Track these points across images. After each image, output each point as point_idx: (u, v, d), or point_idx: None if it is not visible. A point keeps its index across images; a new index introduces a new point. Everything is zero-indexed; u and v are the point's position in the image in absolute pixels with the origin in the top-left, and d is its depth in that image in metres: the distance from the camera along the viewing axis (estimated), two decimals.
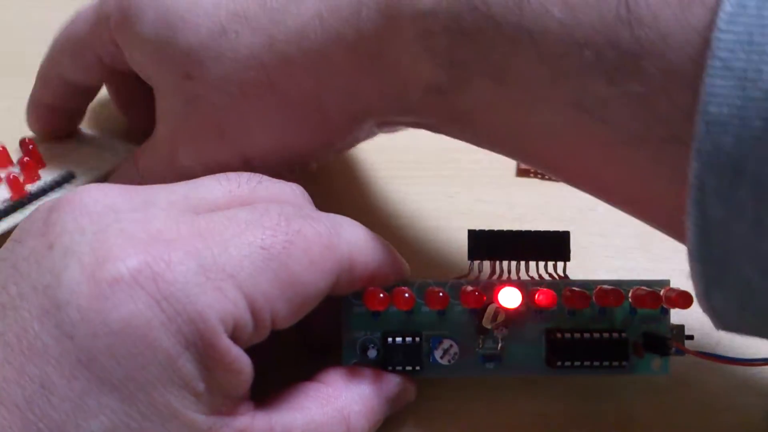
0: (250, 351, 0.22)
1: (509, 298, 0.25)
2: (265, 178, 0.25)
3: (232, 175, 0.25)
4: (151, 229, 0.21)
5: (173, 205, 0.23)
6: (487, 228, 0.26)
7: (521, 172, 0.36)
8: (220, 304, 0.20)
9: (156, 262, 0.20)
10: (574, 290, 0.25)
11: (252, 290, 0.21)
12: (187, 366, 0.20)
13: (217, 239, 0.21)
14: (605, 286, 0.26)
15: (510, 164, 0.36)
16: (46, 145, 0.32)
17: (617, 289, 0.25)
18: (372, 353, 0.25)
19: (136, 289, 0.20)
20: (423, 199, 0.35)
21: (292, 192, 0.25)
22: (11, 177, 0.29)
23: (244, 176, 0.25)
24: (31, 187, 0.30)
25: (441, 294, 0.25)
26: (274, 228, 0.22)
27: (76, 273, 0.20)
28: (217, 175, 0.25)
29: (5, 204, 0.29)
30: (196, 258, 0.21)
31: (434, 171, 0.36)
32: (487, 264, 0.26)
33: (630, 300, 0.26)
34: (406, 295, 0.24)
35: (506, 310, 0.25)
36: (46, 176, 0.31)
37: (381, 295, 0.24)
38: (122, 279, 0.20)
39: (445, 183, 0.35)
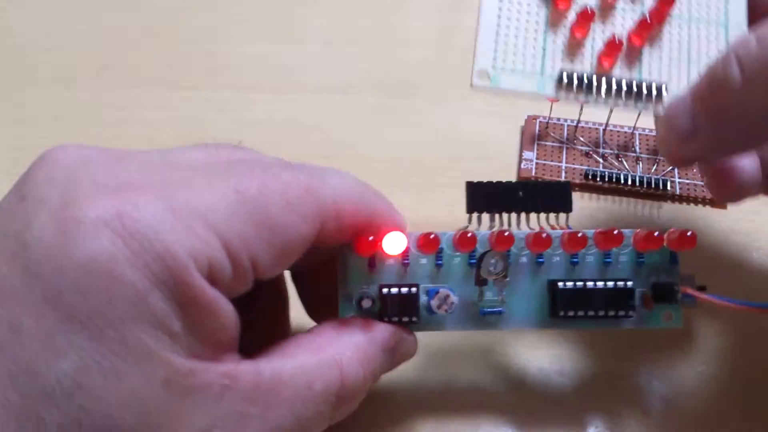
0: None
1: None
2: (246, 147, 0.25)
3: (211, 143, 0.24)
4: (121, 178, 0.21)
5: (148, 160, 0.23)
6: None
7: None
8: (190, 241, 0.20)
9: (123, 204, 0.20)
10: (572, 233, 0.24)
11: (225, 231, 0.21)
12: (159, 304, 0.20)
13: (190, 185, 0.21)
14: (604, 228, 0.25)
15: (512, 169, 0.35)
16: None
17: (615, 228, 0.24)
18: (367, 303, 0.25)
19: (100, 226, 0.19)
20: (423, 208, 0.34)
21: (274, 157, 0.25)
22: None
23: (224, 144, 0.24)
24: None
25: (432, 236, 0.24)
26: (249, 174, 0.22)
27: (43, 216, 0.20)
28: (197, 143, 0.24)
29: None
30: (165, 200, 0.20)
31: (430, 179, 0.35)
32: (486, 218, 0.26)
33: (632, 244, 0.25)
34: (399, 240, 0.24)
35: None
36: None
37: (370, 237, 0.24)
38: (88, 218, 0.20)
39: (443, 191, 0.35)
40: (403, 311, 0.25)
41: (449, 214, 0.33)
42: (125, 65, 0.39)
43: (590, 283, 0.25)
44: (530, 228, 0.26)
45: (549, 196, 0.26)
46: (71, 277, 0.19)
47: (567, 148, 0.36)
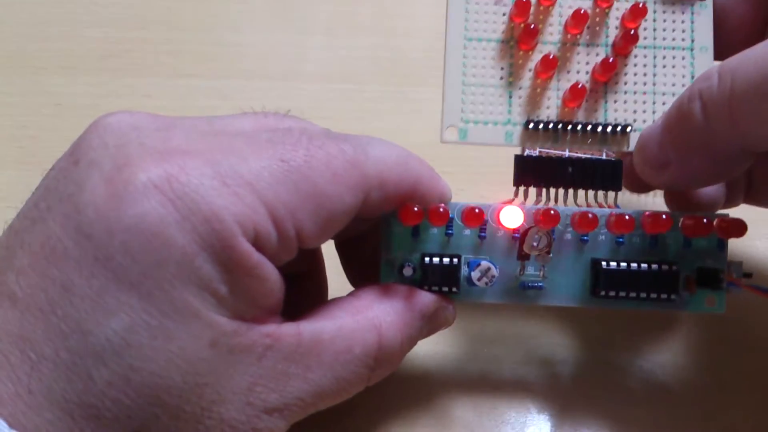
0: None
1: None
2: (295, 116, 0.25)
3: (260, 111, 0.25)
4: (171, 143, 0.21)
5: (196, 127, 0.23)
6: None
7: None
8: (236, 207, 0.20)
9: (172, 166, 0.20)
10: (619, 215, 0.24)
11: (272, 199, 0.21)
12: (206, 266, 0.20)
13: (237, 152, 0.21)
14: (652, 212, 0.24)
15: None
16: None
17: (664, 212, 0.24)
18: (408, 271, 0.25)
19: (150, 188, 0.20)
20: None
21: (321, 127, 0.25)
22: None
23: (273, 112, 0.25)
24: None
25: (477, 210, 0.24)
26: (295, 143, 0.22)
27: (96, 179, 0.20)
28: (245, 111, 0.25)
29: None
30: (213, 165, 0.21)
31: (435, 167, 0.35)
32: (533, 192, 0.26)
33: (680, 228, 0.25)
34: (441, 209, 0.24)
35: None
36: None
37: (415, 208, 0.24)
38: (138, 181, 0.20)
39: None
40: (443, 281, 0.25)
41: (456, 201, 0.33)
42: (127, 53, 0.39)
43: (634, 265, 0.25)
44: (577, 204, 0.26)
45: (600, 173, 0.26)
46: (122, 239, 0.20)
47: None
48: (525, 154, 0.26)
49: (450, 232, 0.25)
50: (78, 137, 0.22)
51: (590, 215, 0.24)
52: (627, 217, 0.24)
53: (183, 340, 0.20)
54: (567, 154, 0.26)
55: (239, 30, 0.40)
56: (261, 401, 0.22)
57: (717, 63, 0.25)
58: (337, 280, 0.28)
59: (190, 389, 0.21)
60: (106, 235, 0.20)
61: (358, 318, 0.24)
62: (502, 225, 0.25)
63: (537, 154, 0.26)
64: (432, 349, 0.29)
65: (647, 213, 0.24)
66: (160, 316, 0.20)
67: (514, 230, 0.25)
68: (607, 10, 0.26)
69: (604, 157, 0.26)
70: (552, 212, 0.24)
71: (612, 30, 0.26)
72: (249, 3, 0.41)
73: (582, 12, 0.25)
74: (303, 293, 0.27)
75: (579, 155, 0.26)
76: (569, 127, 0.26)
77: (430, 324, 0.25)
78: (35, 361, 0.20)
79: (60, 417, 0.20)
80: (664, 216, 0.24)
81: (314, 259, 0.28)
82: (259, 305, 0.22)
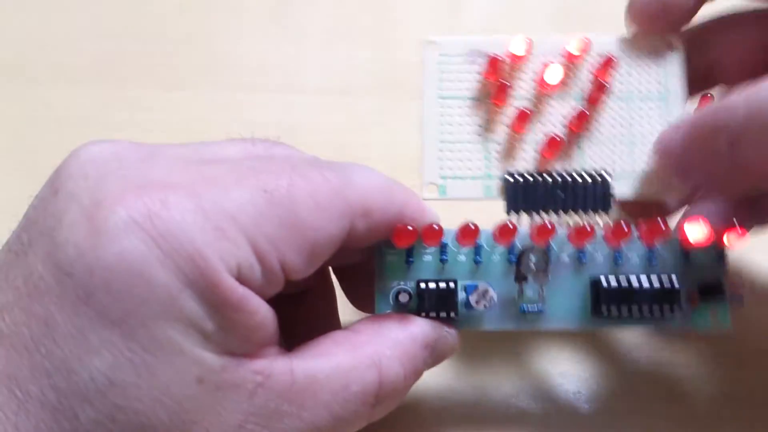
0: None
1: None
2: (284, 144, 0.25)
3: (249, 138, 0.25)
4: (153, 176, 0.21)
5: (180, 156, 0.23)
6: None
7: None
8: (219, 243, 0.20)
9: (153, 202, 0.20)
10: (615, 224, 0.24)
11: (254, 233, 0.21)
12: (190, 303, 0.20)
13: (219, 184, 0.21)
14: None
15: None
16: None
17: (660, 219, 0.24)
18: (404, 298, 0.25)
19: (131, 225, 0.19)
20: None
21: (307, 155, 0.25)
22: None
23: (261, 139, 0.25)
24: None
25: (472, 226, 0.24)
26: (278, 172, 0.22)
27: (75, 214, 0.20)
28: (233, 138, 0.25)
29: None
30: (195, 200, 0.20)
31: None
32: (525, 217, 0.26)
33: (678, 238, 0.24)
34: (435, 227, 0.24)
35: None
36: None
37: (409, 228, 0.24)
38: (118, 217, 0.20)
39: None
40: (441, 306, 0.24)
41: (453, 216, 0.33)
42: (125, 66, 0.39)
43: (634, 280, 0.24)
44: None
45: (591, 194, 0.26)
46: (102, 277, 0.19)
47: None
48: (514, 174, 0.26)
49: (444, 258, 0.25)
50: (58, 166, 0.22)
51: (587, 227, 0.24)
52: (623, 224, 0.24)
53: (168, 377, 0.20)
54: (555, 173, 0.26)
55: (237, 42, 0.40)
56: None
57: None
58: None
59: (176, 427, 0.20)
60: (87, 274, 0.19)
61: (356, 354, 0.23)
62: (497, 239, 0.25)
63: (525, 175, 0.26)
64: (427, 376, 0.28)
65: (641, 220, 0.24)
66: (143, 353, 0.19)
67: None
68: (578, 63, 0.27)
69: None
70: (549, 225, 0.24)
71: (585, 82, 0.27)
72: (247, 15, 0.42)
73: (553, 66, 0.26)
74: (312, 310, 0.26)
75: (567, 177, 0.26)
76: (549, 179, 0.26)
77: (433, 353, 0.24)
78: (22, 400, 0.19)
79: None
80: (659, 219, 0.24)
81: (321, 275, 0.27)
82: (248, 340, 0.21)
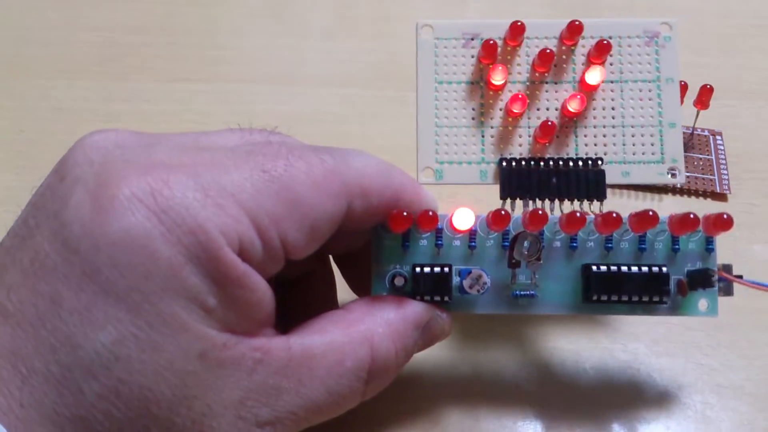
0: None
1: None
2: (281, 133, 0.25)
3: (246, 128, 0.25)
4: (154, 158, 0.22)
5: (180, 143, 0.23)
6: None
7: None
8: (220, 218, 0.21)
9: (155, 181, 0.20)
10: (606, 213, 0.24)
11: (254, 209, 0.21)
12: (192, 278, 0.20)
13: (218, 165, 0.22)
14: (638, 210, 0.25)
15: None
16: None
17: (650, 210, 0.24)
18: (399, 281, 0.25)
19: (134, 202, 0.20)
20: None
21: (303, 142, 0.25)
22: None
23: (259, 129, 0.25)
24: None
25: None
26: (275, 154, 0.22)
27: (81, 195, 0.21)
28: (231, 128, 0.25)
29: None
30: (195, 178, 0.21)
31: None
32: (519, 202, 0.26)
33: (668, 228, 0.25)
34: (430, 213, 0.24)
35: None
36: None
37: (405, 213, 0.24)
38: (122, 195, 0.20)
39: None
40: (435, 290, 0.25)
41: (453, 205, 0.34)
42: (126, 58, 0.40)
43: (624, 268, 0.25)
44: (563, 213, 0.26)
45: (584, 183, 0.26)
46: (108, 253, 0.20)
47: None
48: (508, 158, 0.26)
49: (440, 243, 0.25)
50: (64, 155, 0.23)
51: (578, 214, 0.24)
52: (614, 215, 0.24)
53: (171, 353, 0.20)
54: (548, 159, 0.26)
55: (238, 34, 0.41)
56: (252, 415, 0.22)
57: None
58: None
59: (179, 402, 0.20)
60: (93, 250, 0.20)
61: (350, 331, 0.24)
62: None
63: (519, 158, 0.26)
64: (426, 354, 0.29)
65: (633, 212, 0.25)
66: (148, 329, 0.20)
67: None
68: (572, 48, 0.27)
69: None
70: (540, 212, 0.24)
71: (579, 66, 0.27)
72: (248, 7, 0.42)
73: (548, 51, 0.26)
74: (312, 297, 0.27)
75: (561, 165, 0.26)
76: (541, 163, 0.26)
77: (424, 334, 0.25)
78: (26, 376, 0.20)
79: (51, 430, 0.20)
80: (650, 212, 0.24)
81: (320, 261, 0.28)
82: (248, 317, 0.22)
